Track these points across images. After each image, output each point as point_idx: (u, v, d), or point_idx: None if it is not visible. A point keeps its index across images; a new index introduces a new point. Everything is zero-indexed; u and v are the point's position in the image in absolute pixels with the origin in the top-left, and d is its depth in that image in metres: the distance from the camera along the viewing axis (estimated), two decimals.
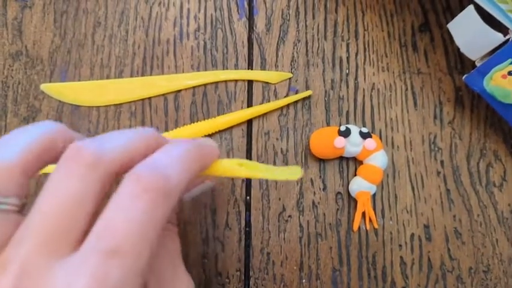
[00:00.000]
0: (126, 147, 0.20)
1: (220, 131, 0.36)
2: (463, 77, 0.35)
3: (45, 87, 0.36)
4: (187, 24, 0.38)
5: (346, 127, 0.34)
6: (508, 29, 0.32)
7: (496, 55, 0.32)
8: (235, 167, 0.24)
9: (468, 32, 0.34)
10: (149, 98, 0.36)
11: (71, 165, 0.18)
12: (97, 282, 0.16)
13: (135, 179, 0.18)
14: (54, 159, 0.19)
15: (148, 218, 0.17)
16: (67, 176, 0.18)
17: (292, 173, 0.25)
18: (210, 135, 0.36)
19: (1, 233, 0.17)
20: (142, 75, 0.37)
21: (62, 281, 0.16)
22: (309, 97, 0.37)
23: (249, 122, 0.36)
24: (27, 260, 0.16)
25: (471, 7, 0.33)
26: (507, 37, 0.32)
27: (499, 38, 0.32)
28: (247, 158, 0.36)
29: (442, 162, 0.36)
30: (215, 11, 0.38)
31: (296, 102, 0.37)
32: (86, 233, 0.17)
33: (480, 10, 0.32)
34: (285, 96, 0.37)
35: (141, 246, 0.17)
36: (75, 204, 0.17)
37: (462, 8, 0.38)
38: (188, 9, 0.38)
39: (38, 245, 0.16)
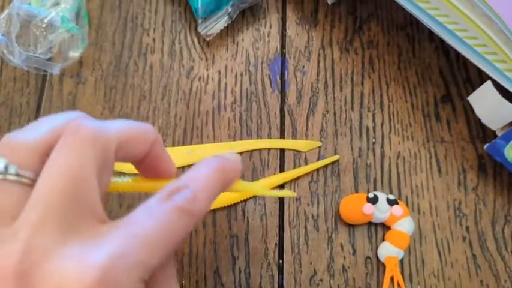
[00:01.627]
0: (124, 130, 0.21)
1: (254, 196, 0.38)
2: (485, 147, 0.37)
3: None
4: (225, 97, 0.41)
5: (374, 194, 0.37)
6: None
7: None
8: (247, 186, 0.28)
9: (487, 105, 0.36)
10: (189, 166, 0.39)
11: (70, 139, 0.19)
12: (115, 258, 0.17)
13: (167, 198, 0.20)
14: None
15: (171, 233, 0.19)
16: (67, 149, 0.19)
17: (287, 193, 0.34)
18: (244, 200, 0.38)
19: (17, 203, 0.18)
20: (183, 144, 0.40)
21: (74, 251, 0.17)
22: (337, 164, 0.39)
23: (281, 188, 0.39)
24: (36, 228, 0.17)
25: (489, 82, 0.35)
26: None
27: None
28: (279, 223, 0.38)
29: (467, 227, 0.38)
30: (250, 85, 0.42)
31: (325, 169, 0.39)
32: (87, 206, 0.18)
33: (498, 84, 0.34)
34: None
35: (159, 251, 0.18)
36: (73, 177, 0.18)
37: (482, 79, 0.40)
38: (225, 84, 0.42)
39: (45, 214, 0.17)
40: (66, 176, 0.18)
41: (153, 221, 0.19)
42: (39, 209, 0.17)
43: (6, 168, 0.18)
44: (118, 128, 0.22)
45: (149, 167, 0.25)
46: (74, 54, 0.41)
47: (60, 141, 0.19)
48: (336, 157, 0.39)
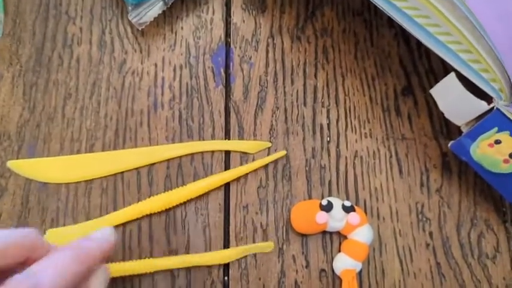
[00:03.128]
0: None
1: (195, 204, 0.34)
2: (449, 145, 0.33)
3: (12, 164, 0.34)
4: (162, 94, 0.37)
5: (328, 201, 0.33)
6: (491, 97, 0.30)
7: (481, 124, 0.31)
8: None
9: (451, 99, 0.32)
10: (121, 173, 0.35)
11: None
12: None
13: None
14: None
15: None
16: None
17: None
18: (184, 205, 0.34)
19: None
20: (115, 148, 0.35)
21: None
22: (289, 167, 0.35)
23: (226, 195, 0.35)
24: None
25: (452, 74, 0.32)
26: (491, 105, 0.30)
27: (482, 106, 0.31)
28: (224, 235, 0.34)
29: (430, 233, 0.34)
30: (191, 79, 0.37)
31: (275, 172, 0.35)
32: None
33: (463, 76, 0.31)
34: (264, 166, 0.35)
35: None
36: None
37: (445, 70, 0.37)
38: (163, 78, 0.37)
39: None
40: None
41: None
42: None
43: None
44: None
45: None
46: None
47: None
48: (282, 153, 0.35)
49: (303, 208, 0.33)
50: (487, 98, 0.31)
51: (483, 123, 0.31)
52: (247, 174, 0.35)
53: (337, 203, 0.33)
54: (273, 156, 0.35)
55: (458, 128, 0.35)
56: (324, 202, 0.33)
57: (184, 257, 0.33)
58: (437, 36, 0.31)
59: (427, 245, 0.34)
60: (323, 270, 0.33)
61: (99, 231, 0.28)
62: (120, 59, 0.37)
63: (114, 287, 0.32)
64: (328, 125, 0.36)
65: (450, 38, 0.30)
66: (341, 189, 0.35)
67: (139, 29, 0.37)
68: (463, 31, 0.30)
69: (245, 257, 0.33)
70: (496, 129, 0.31)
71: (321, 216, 0.32)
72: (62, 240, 0.33)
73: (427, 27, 0.31)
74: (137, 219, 0.34)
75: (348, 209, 0.33)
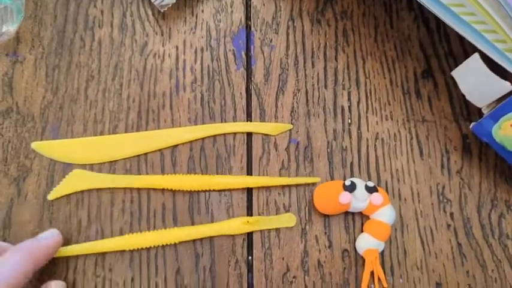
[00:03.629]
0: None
1: None
2: (470, 126, 0.34)
3: (36, 145, 0.34)
4: (184, 76, 0.37)
5: (351, 181, 0.33)
6: None
7: (503, 104, 0.31)
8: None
9: (473, 80, 0.32)
10: (145, 154, 0.35)
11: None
12: None
13: None
14: None
15: None
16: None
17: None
18: (206, 191, 0.34)
19: None
20: (138, 130, 0.35)
21: None
22: (310, 149, 0.35)
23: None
24: None
25: (476, 55, 0.32)
26: None
27: (506, 86, 0.31)
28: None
29: (451, 214, 0.35)
30: (212, 61, 0.37)
31: (297, 154, 0.35)
32: None
33: (485, 57, 0.31)
34: (286, 148, 0.35)
35: None
36: None
37: (465, 52, 0.37)
38: (184, 61, 0.37)
39: None
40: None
41: None
42: None
43: None
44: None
45: None
46: (9, 28, 0.36)
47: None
48: (316, 179, 0.35)
49: (326, 188, 0.34)
50: (510, 79, 0.31)
51: (506, 104, 0.31)
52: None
53: (360, 183, 0.33)
54: (303, 179, 0.35)
55: (478, 110, 0.35)
56: (348, 182, 0.33)
57: (205, 226, 0.33)
58: (462, 16, 0.31)
59: (448, 225, 0.34)
60: (345, 250, 0.34)
61: (47, 231, 0.32)
62: (141, 42, 0.37)
63: (138, 262, 0.33)
64: (349, 107, 0.37)
65: (475, 18, 0.31)
66: (363, 171, 0.35)
67: (162, 11, 0.37)
68: (488, 10, 0.30)
69: (268, 235, 0.33)
70: None
71: (345, 197, 0.32)
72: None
73: (451, 7, 0.31)
74: (161, 198, 0.34)
75: (370, 190, 0.33)
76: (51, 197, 0.33)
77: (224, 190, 0.34)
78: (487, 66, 0.31)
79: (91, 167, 0.35)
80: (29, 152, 0.35)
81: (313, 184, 0.35)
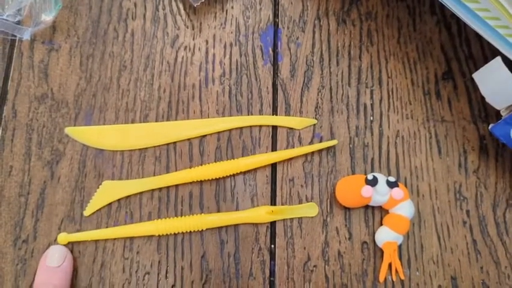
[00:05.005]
0: None
1: (244, 175, 0.36)
2: (489, 127, 0.35)
3: (69, 130, 0.36)
4: (213, 70, 0.38)
5: (374, 176, 0.34)
6: None
7: None
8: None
9: (494, 83, 0.34)
10: (174, 143, 0.36)
11: None
12: None
13: None
14: None
15: None
16: None
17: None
18: (233, 176, 0.36)
19: None
20: (168, 119, 0.37)
21: None
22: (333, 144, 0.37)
23: (273, 168, 0.36)
24: None
25: (499, 58, 0.33)
26: None
27: None
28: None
29: (467, 212, 0.36)
30: (240, 56, 0.38)
31: (321, 149, 0.37)
32: None
33: (506, 60, 0.32)
34: (310, 143, 0.37)
35: None
36: None
37: (484, 56, 0.38)
38: (214, 55, 0.38)
39: None
40: None
41: None
42: None
43: None
44: None
45: None
46: (46, 17, 0.37)
47: None
48: (333, 142, 0.36)
49: (348, 182, 0.35)
50: None
51: None
52: (293, 148, 0.36)
53: (381, 178, 0.34)
54: (324, 144, 0.36)
55: (496, 112, 0.37)
56: (370, 177, 0.34)
57: (231, 214, 0.34)
58: (486, 20, 0.32)
59: (464, 222, 0.36)
60: (365, 242, 0.35)
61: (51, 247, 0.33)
62: (173, 35, 0.39)
63: (165, 246, 0.34)
64: (372, 105, 0.38)
65: (499, 22, 0.32)
66: (383, 167, 0.37)
67: (195, 5, 0.38)
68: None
69: (291, 225, 0.35)
70: None
71: (367, 190, 0.34)
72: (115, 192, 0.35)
73: (476, 11, 0.32)
74: (189, 186, 0.35)
75: (392, 184, 0.34)
76: (87, 213, 0.34)
77: (250, 171, 0.36)
78: (508, 70, 0.32)
79: (122, 153, 0.36)
80: (62, 136, 0.36)
81: (334, 175, 0.36)
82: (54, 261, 0.32)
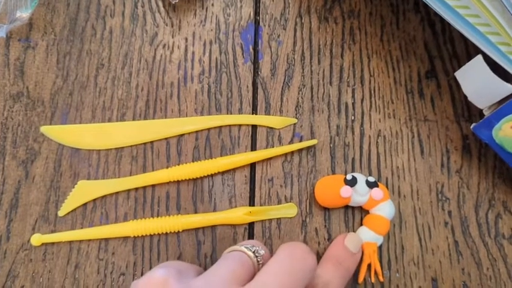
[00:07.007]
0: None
1: (222, 175, 0.35)
2: (471, 127, 0.34)
3: (45, 129, 0.35)
4: (192, 68, 0.37)
5: (353, 176, 0.34)
6: None
7: (505, 106, 0.32)
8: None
9: (476, 81, 0.33)
10: (151, 142, 0.36)
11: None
12: None
13: None
14: None
15: None
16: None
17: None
18: (211, 176, 0.35)
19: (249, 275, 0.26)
20: (145, 118, 0.36)
21: None
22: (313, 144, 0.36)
23: (252, 168, 0.36)
24: None
25: (479, 57, 0.32)
26: None
27: (508, 88, 0.31)
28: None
29: (449, 212, 0.35)
30: (220, 54, 0.38)
31: (301, 148, 0.36)
32: None
33: (488, 59, 0.32)
34: (290, 142, 0.36)
35: None
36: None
37: (468, 55, 0.37)
38: (193, 53, 0.38)
39: None
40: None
41: None
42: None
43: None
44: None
45: None
46: (22, 14, 0.36)
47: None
48: (313, 141, 0.36)
49: (327, 182, 0.34)
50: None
51: (507, 105, 0.32)
52: (272, 148, 0.36)
53: (361, 178, 0.34)
54: (304, 144, 0.36)
55: (479, 111, 0.36)
56: (349, 177, 0.34)
57: (208, 215, 0.34)
58: (467, 18, 0.31)
59: (446, 223, 0.35)
60: None
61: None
62: (151, 32, 0.38)
63: (141, 247, 0.34)
64: (353, 104, 0.37)
65: (479, 20, 0.31)
66: (364, 167, 0.36)
67: (173, 2, 0.37)
68: (493, 13, 0.30)
69: (269, 225, 0.34)
70: None
71: (346, 191, 0.33)
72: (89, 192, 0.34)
73: (456, 8, 0.31)
74: (166, 186, 0.35)
75: (371, 185, 0.33)
76: (61, 213, 0.34)
77: (228, 171, 0.35)
78: (489, 68, 0.32)
79: (98, 152, 0.35)
80: (38, 135, 0.35)
81: (314, 175, 0.35)
82: (352, 246, 0.32)
